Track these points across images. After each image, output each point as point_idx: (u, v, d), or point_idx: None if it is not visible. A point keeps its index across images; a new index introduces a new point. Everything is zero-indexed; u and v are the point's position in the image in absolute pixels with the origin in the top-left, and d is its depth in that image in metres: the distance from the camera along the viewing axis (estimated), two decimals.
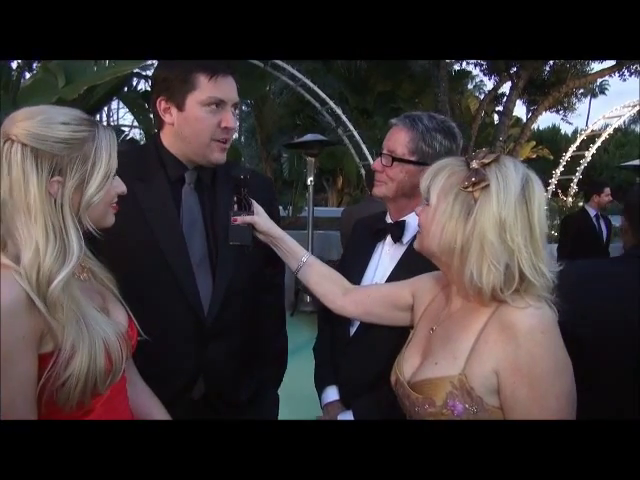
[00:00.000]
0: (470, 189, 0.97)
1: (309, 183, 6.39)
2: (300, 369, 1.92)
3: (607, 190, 5.07)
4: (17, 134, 0.88)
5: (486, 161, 0.98)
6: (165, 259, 1.29)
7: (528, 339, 0.91)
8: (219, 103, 1.28)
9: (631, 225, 1.47)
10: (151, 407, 1.18)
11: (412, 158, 1.38)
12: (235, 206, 1.33)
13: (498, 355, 0.94)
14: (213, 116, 1.28)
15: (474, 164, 0.99)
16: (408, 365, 1.10)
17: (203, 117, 1.27)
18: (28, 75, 5.06)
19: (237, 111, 1.38)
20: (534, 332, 0.92)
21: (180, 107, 1.28)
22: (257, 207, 1.36)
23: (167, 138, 1.35)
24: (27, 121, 0.89)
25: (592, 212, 5.05)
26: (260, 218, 1.35)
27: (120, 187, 1.01)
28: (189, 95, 1.27)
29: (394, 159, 1.39)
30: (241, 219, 1.32)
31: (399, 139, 1.40)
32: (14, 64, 5.26)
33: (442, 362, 1.00)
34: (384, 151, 1.42)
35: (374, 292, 1.34)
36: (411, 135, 1.38)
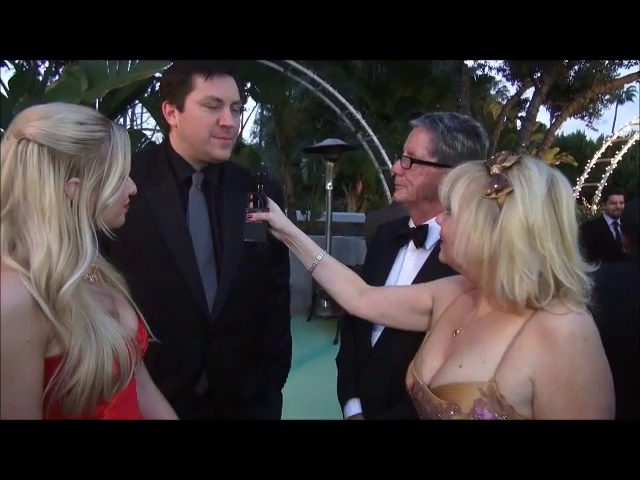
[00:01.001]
0: (493, 196, 0.92)
1: (328, 188, 6.37)
2: (318, 374, 1.90)
3: (612, 198, 4.91)
4: (32, 134, 0.86)
5: (507, 164, 0.93)
6: (172, 258, 1.33)
7: (569, 346, 0.86)
8: (217, 102, 1.31)
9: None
10: (160, 411, 1.16)
11: (432, 160, 1.34)
12: (251, 203, 1.34)
13: (535, 362, 0.88)
14: (211, 114, 1.32)
15: (495, 169, 0.94)
16: (427, 368, 1.05)
17: (201, 116, 1.32)
18: (54, 79, 5.17)
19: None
20: (576, 339, 0.87)
21: (181, 108, 1.33)
22: (273, 204, 1.36)
23: (174, 140, 1.40)
24: (43, 120, 0.87)
25: (609, 220, 4.91)
26: (276, 215, 1.35)
27: (131, 187, 0.99)
28: (188, 96, 1.32)
29: (413, 161, 1.35)
30: (256, 216, 1.32)
31: (419, 140, 1.36)
32: (42, 68, 5.38)
33: (469, 366, 0.95)
34: (404, 153, 1.38)
35: (391, 294, 1.30)
36: (431, 135, 1.34)
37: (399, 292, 1.31)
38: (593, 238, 5.20)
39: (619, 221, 4.91)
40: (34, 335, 0.82)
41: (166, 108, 1.36)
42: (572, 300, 0.90)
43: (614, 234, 4.86)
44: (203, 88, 1.30)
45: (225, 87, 1.33)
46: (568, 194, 0.93)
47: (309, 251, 1.38)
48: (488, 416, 0.90)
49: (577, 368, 0.86)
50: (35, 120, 0.87)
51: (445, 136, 1.33)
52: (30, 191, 0.85)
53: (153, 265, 1.33)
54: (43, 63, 5.72)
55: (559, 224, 0.91)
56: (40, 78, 4.73)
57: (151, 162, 1.40)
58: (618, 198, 4.91)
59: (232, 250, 1.38)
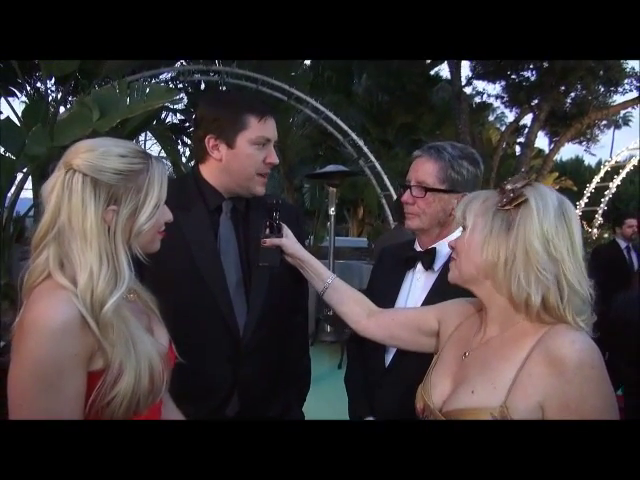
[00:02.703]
0: (508, 207, 0.98)
1: (331, 213, 6.45)
2: (323, 398, 1.91)
3: (629, 222, 5.00)
4: (78, 164, 0.94)
5: (519, 185, 1.00)
6: (204, 282, 1.38)
7: (578, 375, 0.89)
8: (266, 141, 1.41)
9: None
10: None
11: (443, 187, 1.41)
12: (267, 230, 1.42)
13: (545, 390, 0.91)
14: (260, 153, 1.41)
15: (508, 187, 1.00)
16: (437, 392, 1.07)
17: (252, 154, 1.40)
18: (62, 109, 5.30)
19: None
20: (584, 367, 0.90)
21: (231, 145, 1.40)
22: (287, 230, 1.44)
23: (209, 171, 1.46)
24: (88, 153, 0.95)
25: (622, 244, 4.98)
26: (288, 241, 1.42)
27: (167, 215, 1.06)
28: (240, 134, 1.39)
29: (427, 189, 1.41)
30: (270, 241, 1.40)
31: (427, 170, 1.43)
32: (50, 97, 5.53)
33: (480, 391, 0.97)
34: (412, 183, 1.44)
35: (399, 316, 1.35)
36: (440, 164, 1.41)
37: (406, 314, 1.35)
38: (605, 262, 5.19)
39: (631, 245, 4.96)
40: (81, 349, 0.88)
41: (210, 142, 1.41)
42: (582, 315, 0.95)
43: (627, 257, 4.90)
44: (256, 128, 1.39)
45: (272, 128, 1.43)
46: (575, 212, 1.00)
47: (320, 275, 1.44)
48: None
49: (586, 396, 0.89)
50: (82, 152, 0.96)
51: (452, 164, 1.41)
52: (74, 216, 0.93)
53: (186, 289, 1.38)
54: (54, 92, 5.87)
55: (569, 234, 0.96)
56: (52, 108, 4.87)
57: (181, 190, 1.45)
58: (634, 222, 4.98)
59: (260, 274, 1.44)
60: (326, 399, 1.88)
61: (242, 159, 1.40)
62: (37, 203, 4.49)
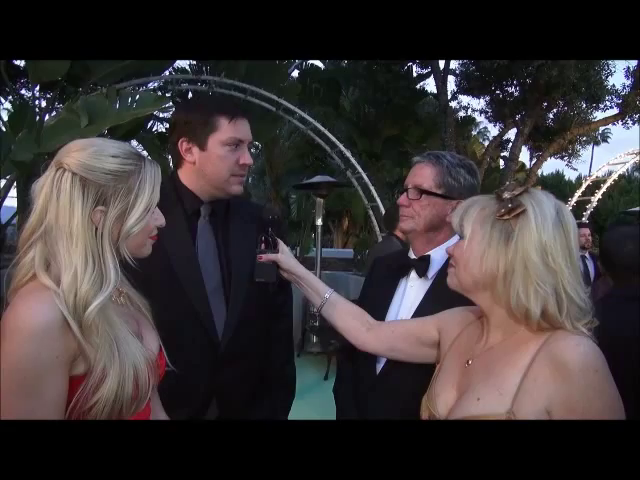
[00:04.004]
0: (506, 217, 0.98)
1: (318, 224, 6.46)
2: (309, 409, 1.90)
3: (580, 231, 5.13)
4: (69, 163, 0.92)
5: (516, 193, 1.00)
6: (181, 287, 1.37)
7: (582, 379, 0.90)
8: (238, 142, 1.40)
9: (606, 269, 1.56)
10: None
11: (439, 191, 1.43)
12: (262, 245, 1.42)
13: (550, 394, 0.91)
14: (232, 154, 1.40)
15: (506, 195, 1.00)
16: (441, 401, 1.07)
17: (224, 155, 1.39)
18: (47, 117, 5.24)
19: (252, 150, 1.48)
20: (588, 371, 0.90)
21: (202, 147, 1.40)
22: (282, 246, 1.44)
23: (186, 175, 1.46)
24: (80, 152, 0.94)
25: None
26: (284, 256, 1.43)
27: (160, 220, 1.04)
28: (211, 136, 1.39)
29: (422, 192, 1.43)
30: (266, 257, 1.41)
31: (425, 174, 1.45)
32: (37, 104, 5.47)
33: (486, 398, 0.97)
34: (409, 186, 1.46)
35: (398, 328, 1.34)
36: (437, 170, 1.44)
37: (405, 326, 1.34)
38: None
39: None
40: (62, 351, 0.86)
41: (183, 145, 1.41)
42: (581, 321, 0.95)
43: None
44: (227, 129, 1.39)
45: (245, 128, 1.43)
46: (572, 219, 1.00)
47: (317, 290, 1.43)
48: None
49: (591, 399, 0.90)
50: (74, 151, 0.94)
51: (450, 170, 1.43)
52: (61, 215, 0.91)
53: (163, 295, 1.32)
54: (41, 99, 5.82)
55: (567, 242, 0.97)
56: (39, 114, 4.82)
57: (160, 195, 1.44)
58: (586, 230, 5.13)
59: (239, 280, 1.43)
60: (312, 410, 1.87)
61: (214, 161, 1.40)
62: (22, 209, 4.42)
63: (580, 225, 5.34)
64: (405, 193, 1.47)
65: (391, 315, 1.47)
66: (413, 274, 1.48)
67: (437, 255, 1.45)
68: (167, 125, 9.43)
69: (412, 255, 1.53)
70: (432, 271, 1.45)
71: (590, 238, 5.13)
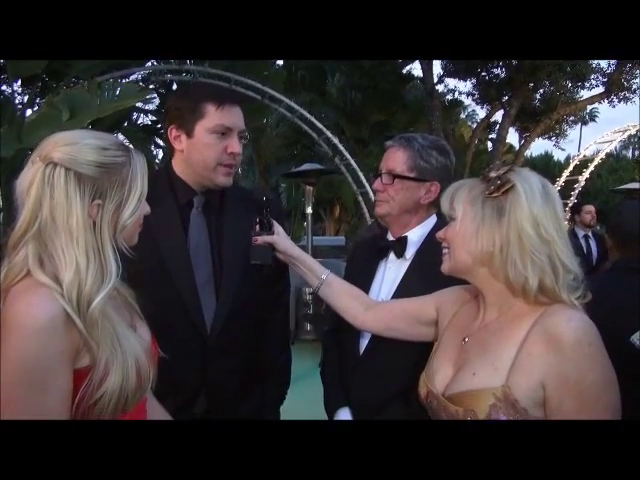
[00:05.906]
0: (496, 194, 1.00)
1: (308, 212, 6.46)
2: (304, 397, 1.90)
3: (587, 208, 5.23)
4: (60, 158, 0.90)
5: (503, 171, 1.02)
6: (170, 278, 1.35)
7: (575, 352, 0.91)
8: (226, 130, 1.36)
9: (615, 242, 1.57)
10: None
11: (411, 175, 1.44)
12: (257, 227, 1.39)
13: (544, 368, 0.93)
14: (220, 142, 1.36)
15: (492, 174, 1.02)
16: (439, 377, 1.09)
17: (210, 143, 1.35)
18: (29, 112, 5.16)
19: (243, 140, 1.44)
20: (581, 344, 0.92)
21: (189, 134, 1.37)
22: (278, 227, 1.42)
23: (178, 164, 1.43)
24: (70, 146, 0.91)
25: (580, 233, 5.18)
26: (280, 238, 1.41)
27: (146, 208, 1.04)
28: (198, 123, 1.35)
29: (395, 177, 1.44)
30: (261, 239, 1.38)
31: (397, 158, 1.45)
32: (17, 99, 5.39)
33: (481, 373, 0.99)
34: (383, 171, 1.47)
35: (396, 307, 1.35)
36: (409, 153, 1.44)
37: (403, 306, 1.35)
38: None
39: (591, 234, 5.15)
40: (66, 346, 0.86)
41: (172, 132, 1.39)
42: (576, 292, 0.98)
43: (585, 246, 5.07)
44: (214, 116, 1.34)
45: (235, 116, 1.37)
46: (556, 193, 1.03)
47: (314, 271, 1.43)
48: (503, 419, 0.94)
49: (585, 372, 0.91)
50: (62, 146, 0.91)
51: (421, 153, 1.43)
52: (58, 212, 0.89)
53: (152, 286, 1.30)
54: (22, 94, 5.73)
55: (556, 214, 1.00)
56: (19, 109, 4.75)
57: (152, 185, 1.40)
58: (591, 208, 5.20)
59: (231, 271, 1.40)
60: (306, 397, 1.87)
61: (200, 148, 1.36)
62: (5, 206, 4.36)
63: (586, 203, 5.39)
64: (379, 178, 1.47)
65: (372, 296, 1.48)
66: (392, 256, 1.49)
67: (414, 236, 1.47)
68: (151, 117, 9.35)
69: (390, 237, 1.54)
70: (410, 252, 1.46)
71: (595, 215, 5.18)
